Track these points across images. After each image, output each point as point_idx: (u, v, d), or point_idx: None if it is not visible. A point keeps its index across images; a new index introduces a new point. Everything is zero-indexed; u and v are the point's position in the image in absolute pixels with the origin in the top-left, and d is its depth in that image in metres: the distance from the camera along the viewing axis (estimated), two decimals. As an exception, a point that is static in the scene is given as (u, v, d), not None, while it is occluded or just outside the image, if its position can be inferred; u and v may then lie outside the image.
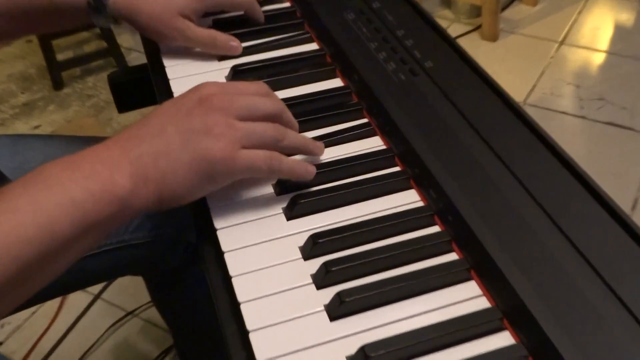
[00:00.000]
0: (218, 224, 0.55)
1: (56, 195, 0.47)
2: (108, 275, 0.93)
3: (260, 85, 0.58)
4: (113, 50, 2.14)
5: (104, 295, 1.46)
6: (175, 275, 0.92)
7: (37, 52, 2.21)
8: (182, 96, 0.55)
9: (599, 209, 0.51)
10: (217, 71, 0.72)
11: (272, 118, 0.56)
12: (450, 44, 0.68)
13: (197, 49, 0.74)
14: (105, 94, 2.10)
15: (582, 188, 0.53)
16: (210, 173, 0.52)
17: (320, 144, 0.60)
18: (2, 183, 0.75)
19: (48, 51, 2.06)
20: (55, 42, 2.10)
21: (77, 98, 2.10)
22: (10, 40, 0.84)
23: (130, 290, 1.45)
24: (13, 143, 0.81)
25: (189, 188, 0.52)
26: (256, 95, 0.56)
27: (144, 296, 1.24)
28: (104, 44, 2.17)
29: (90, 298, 1.45)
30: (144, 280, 1.03)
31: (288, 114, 0.58)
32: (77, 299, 1.45)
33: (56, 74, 2.10)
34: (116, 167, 0.50)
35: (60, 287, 0.79)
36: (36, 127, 2.00)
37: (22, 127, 2.00)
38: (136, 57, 2.24)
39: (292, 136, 0.57)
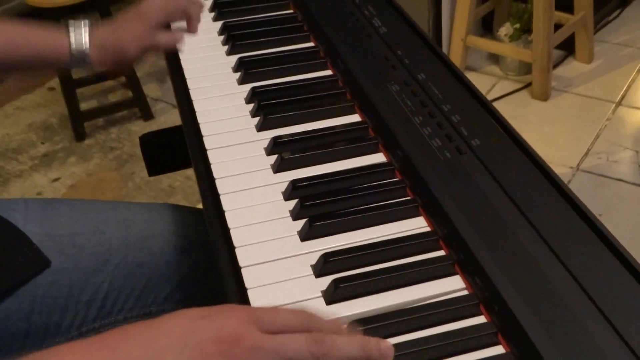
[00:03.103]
0: (254, 301, 0.58)
1: None
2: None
3: (300, 317, 0.50)
4: (139, 100, 2.23)
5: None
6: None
7: (59, 100, 2.31)
8: (201, 318, 0.48)
9: (654, 306, 0.54)
10: (256, 142, 0.76)
11: None
12: (499, 121, 0.72)
13: (234, 118, 0.79)
14: (128, 146, 2.17)
15: (633, 279, 0.55)
16: None
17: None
18: (30, 250, 0.80)
19: (71, 100, 2.15)
20: (79, 91, 2.20)
21: (99, 150, 2.17)
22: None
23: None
24: (42, 208, 0.86)
25: None
26: (293, 334, 0.48)
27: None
28: (129, 94, 2.26)
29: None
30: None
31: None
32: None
33: (78, 124, 2.19)
34: None
35: None
36: (55, 179, 2.08)
37: (40, 179, 2.08)
38: (163, 107, 2.33)
39: None
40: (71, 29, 0.90)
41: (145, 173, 2.04)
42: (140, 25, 0.92)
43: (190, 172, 1.97)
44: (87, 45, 0.90)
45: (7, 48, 0.89)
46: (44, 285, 0.80)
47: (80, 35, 0.89)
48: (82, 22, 0.91)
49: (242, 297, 0.60)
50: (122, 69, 0.99)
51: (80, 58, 0.90)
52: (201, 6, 1.00)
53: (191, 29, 0.98)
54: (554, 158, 1.93)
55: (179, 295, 0.86)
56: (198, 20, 0.99)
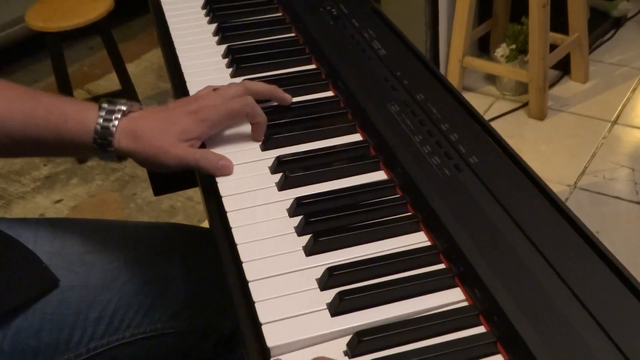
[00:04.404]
0: (263, 317, 0.60)
1: None
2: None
3: None
4: (140, 122, 2.25)
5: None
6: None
7: (61, 123, 2.33)
8: None
9: (646, 315, 0.56)
10: (261, 161, 0.79)
11: None
12: (496, 139, 0.75)
13: (240, 138, 0.81)
14: (130, 167, 2.20)
15: (629, 292, 0.58)
16: None
17: None
18: (39, 269, 0.82)
19: (74, 123, 2.17)
20: (82, 114, 2.22)
21: (101, 171, 2.20)
22: (8, 157, 0.93)
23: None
24: (52, 227, 0.88)
25: None
26: None
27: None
28: (131, 116, 2.29)
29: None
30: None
31: None
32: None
33: (81, 146, 2.21)
34: None
35: (92, 377, 0.84)
36: (58, 201, 2.10)
37: (43, 201, 2.10)
38: (163, 129, 2.35)
39: None
40: (104, 106, 0.78)
41: (146, 194, 2.08)
42: (196, 128, 0.78)
43: (191, 192, 1.99)
44: (114, 129, 0.77)
45: (27, 118, 0.77)
46: (53, 302, 0.82)
47: (111, 115, 0.77)
48: (119, 103, 0.79)
49: (249, 310, 0.62)
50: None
51: (103, 142, 0.77)
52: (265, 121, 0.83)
53: (257, 136, 0.82)
54: (551, 176, 1.96)
55: (185, 312, 0.88)
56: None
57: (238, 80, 0.92)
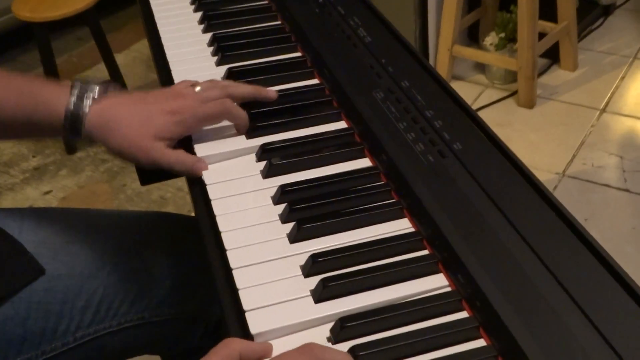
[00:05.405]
0: (246, 304, 0.60)
1: None
2: (126, 353, 0.98)
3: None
4: (129, 113, 2.25)
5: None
6: (194, 355, 0.97)
7: (50, 114, 2.32)
8: None
9: (627, 299, 0.56)
10: (246, 149, 0.79)
11: None
12: (480, 126, 0.75)
13: (224, 127, 0.81)
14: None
15: (612, 279, 0.58)
16: None
17: None
18: (24, 258, 0.82)
19: (62, 113, 2.16)
20: (70, 104, 2.21)
21: (91, 162, 2.19)
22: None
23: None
24: (37, 217, 0.88)
25: None
26: None
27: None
28: (120, 107, 2.28)
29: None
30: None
31: None
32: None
33: (69, 137, 2.21)
34: None
35: (78, 366, 0.84)
36: (47, 192, 2.09)
37: (32, 192, 2.09)
38: (153, 120, 2.34)
39: None
40: (76, 84, 0.77)
41: (136, 185, 2.08)
42: (172, 129, 0.77)
43: (181, 183, 1.99)
44: (85, 116, 0.76)
45: None
46: (40, 291, 0.82)
47: (82, 101, 0.76)
48: (93, 83, 0.78)
49: (233, 297, 0.62)
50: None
51: (73, 126, 0.76)
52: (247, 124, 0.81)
53: (240, 132, 0.81)
54: (540, 164, 1.96)
55: (172, 300, 0.88)
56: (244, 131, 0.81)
57: (223, 68, 0.92)
